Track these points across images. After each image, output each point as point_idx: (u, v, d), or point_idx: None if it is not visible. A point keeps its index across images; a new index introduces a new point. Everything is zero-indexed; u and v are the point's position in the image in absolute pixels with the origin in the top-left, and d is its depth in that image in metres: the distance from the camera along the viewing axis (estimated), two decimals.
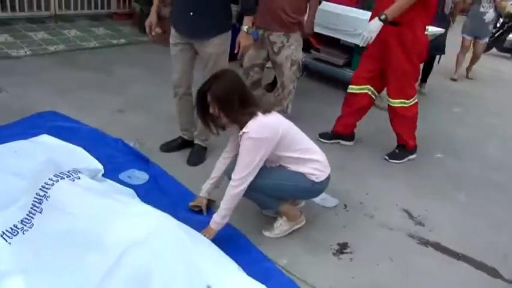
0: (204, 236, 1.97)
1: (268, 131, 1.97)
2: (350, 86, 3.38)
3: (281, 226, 2.28)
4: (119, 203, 1.89)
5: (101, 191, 1.97)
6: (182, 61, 2.68)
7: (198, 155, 2.86)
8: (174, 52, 2.69)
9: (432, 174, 3.26)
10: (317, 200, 2.61)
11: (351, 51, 4.73)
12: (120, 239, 1.67)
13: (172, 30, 2.65)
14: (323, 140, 3.43)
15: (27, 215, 1.90)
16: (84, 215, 1.81)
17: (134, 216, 1.81)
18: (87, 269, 1.63)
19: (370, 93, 3.31)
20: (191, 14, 2.50)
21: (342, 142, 3.51)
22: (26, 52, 4.33)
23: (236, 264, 1.83)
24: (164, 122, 3.26)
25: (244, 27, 2.60)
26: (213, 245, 1.87)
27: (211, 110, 2.02)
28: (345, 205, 2.66)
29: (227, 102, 1.97)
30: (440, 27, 4.56)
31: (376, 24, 2.85)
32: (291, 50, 3.28)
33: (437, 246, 2.42)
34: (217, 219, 2.02)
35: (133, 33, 5.66)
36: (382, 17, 2.83)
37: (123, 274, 1.59)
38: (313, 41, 4.97)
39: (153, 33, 2.70)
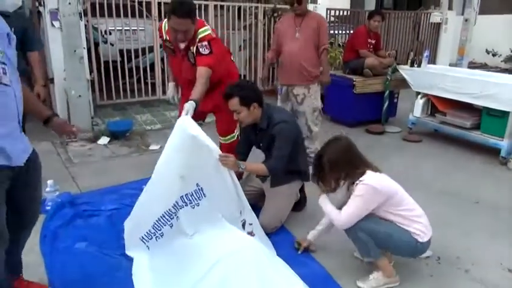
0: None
1: (380, 184, 2.23)
2: None
3: (376, 279, 2.36)
4: (223, 229, 2.42)
5: (210, 219, 2.49)
6: None
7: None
8: None
9: None
10: None
11: (479, 113, 4.64)
12: (214, 252, 2.18)
13: None
14: None
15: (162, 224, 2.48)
16: (195, 233, 2.41)
17: (229, 238, 2.32)
18: (190, 273, 2.16)
19: None
20: None
21: None
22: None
23: (305, 285, 2.13)
24: None
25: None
26: (288, 267, 2.21)
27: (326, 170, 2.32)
28: (439, 257, 2.65)
29: (337, 163, 2.28)
30: None
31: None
32: (311, 100, 3.93)
33: None
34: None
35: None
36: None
37: (211, 280, 2.07)
38: (439, 105, 5.04)
39: None
